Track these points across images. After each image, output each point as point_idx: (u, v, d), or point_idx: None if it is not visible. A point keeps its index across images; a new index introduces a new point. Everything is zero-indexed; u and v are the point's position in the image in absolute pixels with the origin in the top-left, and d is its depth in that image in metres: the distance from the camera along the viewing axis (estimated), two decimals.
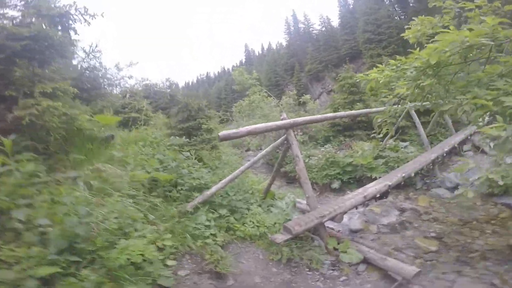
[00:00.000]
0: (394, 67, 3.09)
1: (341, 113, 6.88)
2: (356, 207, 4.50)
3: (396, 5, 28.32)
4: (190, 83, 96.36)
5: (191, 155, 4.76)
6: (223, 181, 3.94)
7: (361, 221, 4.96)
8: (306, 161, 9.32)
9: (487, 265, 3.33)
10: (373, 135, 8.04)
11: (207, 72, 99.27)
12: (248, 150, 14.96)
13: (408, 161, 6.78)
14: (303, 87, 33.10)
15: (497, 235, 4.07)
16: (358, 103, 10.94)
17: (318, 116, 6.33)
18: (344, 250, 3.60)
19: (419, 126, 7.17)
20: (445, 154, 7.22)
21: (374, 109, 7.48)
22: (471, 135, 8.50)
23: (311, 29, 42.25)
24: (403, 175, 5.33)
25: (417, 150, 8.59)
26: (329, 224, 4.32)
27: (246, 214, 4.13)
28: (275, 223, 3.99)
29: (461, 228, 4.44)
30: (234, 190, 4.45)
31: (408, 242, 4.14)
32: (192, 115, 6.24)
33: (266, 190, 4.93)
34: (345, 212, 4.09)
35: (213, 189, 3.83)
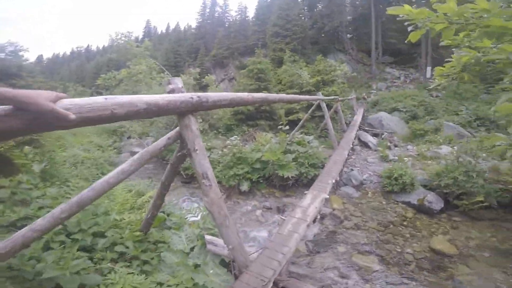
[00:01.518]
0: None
1: (283, 95, 4.74)
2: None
3: (305, 7, 30.52)
4: (62, 55, 73.53)
5: None
6: (48, 215, 1.53)
7: None
8: (208, 155, 7.50)
9: (426, 275, 3.48)
10: (280, 126, 7.20)
11: (89, 45, 76.75)
12: (130, 137, 11.41)
13: (319, 158, 6.28)
14: (205, 71, 30.61)
15: (416, 239, 4.38)
16: (264, 91, 10.06)
17: (250, 96, 2.57)
18: None
19: (329, 121, 6.79)
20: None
21: (319, 97, 6.56)
22: (357, 131, 9.40)
23: (226, 14, 40.40)
24: (334, 181, 4.48)
25: (320, 144, 8.60)
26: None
27: None
28: None
29: (384, 235, 4.48)
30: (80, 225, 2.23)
31: (346, 261, 3.81)
32: None
33: (146, 220, 2.66)
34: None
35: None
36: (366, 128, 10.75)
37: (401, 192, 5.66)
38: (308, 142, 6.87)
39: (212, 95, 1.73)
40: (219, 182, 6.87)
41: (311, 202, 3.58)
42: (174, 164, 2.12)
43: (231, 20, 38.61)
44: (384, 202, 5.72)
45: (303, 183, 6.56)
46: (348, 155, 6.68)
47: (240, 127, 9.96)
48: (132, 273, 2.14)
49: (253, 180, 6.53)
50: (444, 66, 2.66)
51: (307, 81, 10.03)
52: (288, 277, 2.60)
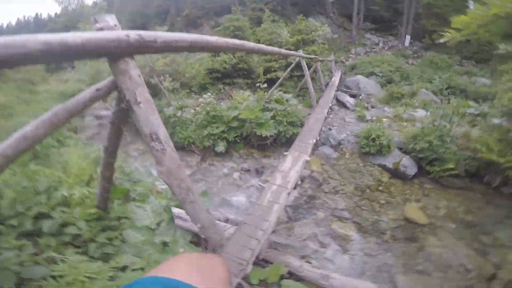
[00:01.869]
0: None
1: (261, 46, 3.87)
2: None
3: None
4: (6, 26, 62.48)
5: None
6: None
7: None
8: (179, 114, 6.89)
9: (400, 245, 3.54)
10: (258, 84, 6.71)
11: (37, 13, 64.79)
12: None
13: (297, 116, 6.01)
14: (177, 32, 28.03)
15: (391, 206, 4.44)
16: None
17: (222, 40, 1.89)
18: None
19: (309, 79, 6.39)
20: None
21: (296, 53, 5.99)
22: (336, 91, 9.20)
23: None
24: (314, 140, 4.25)
25: (298, 103, 8.31)
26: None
27: None
28: None
29: (361, 200, 4.54)
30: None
31: (326, 229, 3.75)
32: None
33: (100, 194, 2.14)
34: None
35: None
36: (344, 89, 10.63)
37: (377, 154, 5.68)
38: (287, 100, 6.52)
39: (163, 34, 1.21)
40: (192, 143, 6.44)
41: (291, 166, 3.35)
42: (115, 123, 1.61)
43: None
44: (361, 165, 5.73)
45: (281, 142, 6.36)
46: (327, 114, 6.51)
47: (216, 85, 9.26)
48: (89, 260, 1.73)
49: (230, 140, 6.18)
50: (464, 16, 2.25)
51: (287, 39, 9.37)
52: (268, 249, 2.40)
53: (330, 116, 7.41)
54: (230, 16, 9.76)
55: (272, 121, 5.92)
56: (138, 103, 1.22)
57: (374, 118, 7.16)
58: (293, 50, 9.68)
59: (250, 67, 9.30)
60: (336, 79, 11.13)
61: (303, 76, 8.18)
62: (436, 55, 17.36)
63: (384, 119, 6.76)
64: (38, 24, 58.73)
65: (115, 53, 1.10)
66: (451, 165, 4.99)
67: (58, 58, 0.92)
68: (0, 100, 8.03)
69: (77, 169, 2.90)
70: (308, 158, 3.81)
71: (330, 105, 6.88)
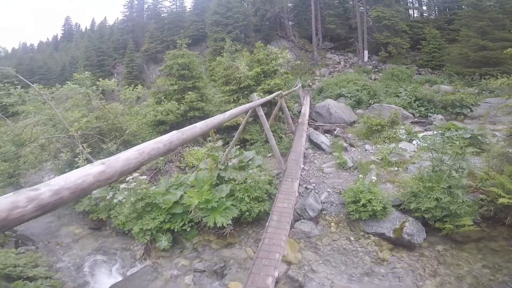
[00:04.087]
0: None
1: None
2: None
3: None
4: None
5: None
6: None
7: None
8: (109, 197, 4.95)
9: None
10: (210, 143, 5.03)
11: None
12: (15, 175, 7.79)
13: (262, 188, 4.34)
14: (137, 68, 26.08)
15: None
16: (191, 92, 7.58)
17: None
18: None
19: (270, 134, 4.67)
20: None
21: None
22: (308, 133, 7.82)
23: (159, 5, 34.30)
24: (289, 223, 2.57)
25: (266, 153, 6.72)
26: None
27: None
28: None
29: None
30: None
31: None
32: None
33: None
34: None
35: None
36: (316, 124, 9.34)
37: (370, 219, 4.17)
38: (249, 161, 4.88)
39: None
40: (131, 236, 4.51)
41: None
42: None
43: (165, 11, 33.51)
44: (352, 238, 4.16)
45: (247, 221, 4.63)
46: (300, 168, 4.96)
47: None
48: None
49: (176, 230, 4.32)
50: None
51: (246, 74, 7.97)
52: None
53: (305, 167, 5.87)
54: (174, 52, 8.05)
55: (230, 200, 4.19)
56: None
57: (356, 164, 5.75)
58: (253, 85, 8.30)
59: (206, 112, 7.67)
60: (306, 108, 9.91)
61: (269, 114, 6.75)
62: (395, 67, 17.46)
63: (370, 166, 5.39)
64: None
65: None
66: (467, 222, 3.68)
67: None
68: None
69: None
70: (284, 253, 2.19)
71: (303, 151, 5.38)
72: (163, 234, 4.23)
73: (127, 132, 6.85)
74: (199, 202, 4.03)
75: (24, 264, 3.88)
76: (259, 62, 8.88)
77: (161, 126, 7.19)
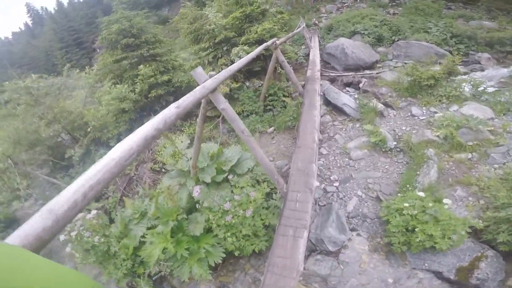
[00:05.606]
0: None
1: None
2: None
3: None
4: None
5: None
6: None
7: None
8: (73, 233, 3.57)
9: None
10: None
11: None
12: None
13: (257, 226, 2.68)
14: None
15: None
16: (142, 65, 5.40)
17: None
18: None
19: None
20: None
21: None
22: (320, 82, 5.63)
23: None
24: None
25: (265, 125, 4.91)
26: None
27: None
28: None
29: None
30: None
31: None
32: None
33: None
34: None
35: None
36: (333, 75, 7.02)
37: (424, 251, 2.48)
38: (233, 167, 3.09)
39: None
40: None
41: None
42: None
43: None
44: (390, 280, 2.50)
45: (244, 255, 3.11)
46: (315, 159, 3.14)
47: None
48: None
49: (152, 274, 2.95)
50: None
51: (220, 23, 5.52)
52: None
53: (322, 151, 4.03)
54: (108, 18, 5.57)
55: (210, 237, 2.59)
56: None
57: (403, 143, 3.75)
58: (234, 37, 5.92)
59: (176, 85, 5.64)
60: (315, 52, 7.69)
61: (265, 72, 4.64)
62: (418, 1, 13.76)
63: (426, 151, 3.39)
64: None
65: None
66: None
67: None
68: None
69: None
70: None
71: (317, 140, 3.46)
72: (140, 278, 2.90)
73: (89, 128, 5.24)
74: (163, 249, 2.50)
75: None
76: (239, 4, 6.29)
77: (124, 114, 5.33)
